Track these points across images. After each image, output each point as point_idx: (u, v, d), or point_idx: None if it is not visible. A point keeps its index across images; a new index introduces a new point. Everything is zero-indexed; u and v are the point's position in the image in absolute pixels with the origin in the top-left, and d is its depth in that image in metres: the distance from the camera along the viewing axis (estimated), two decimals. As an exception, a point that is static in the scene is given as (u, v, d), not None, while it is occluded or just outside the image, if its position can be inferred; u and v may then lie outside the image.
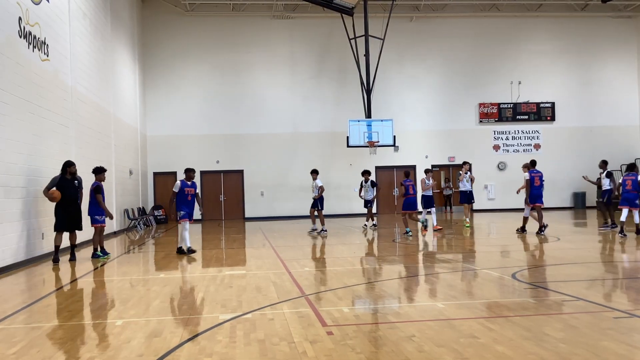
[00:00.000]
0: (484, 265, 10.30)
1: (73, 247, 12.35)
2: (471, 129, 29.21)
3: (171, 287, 8.57)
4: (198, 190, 13.31)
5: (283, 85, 28.19)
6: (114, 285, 9.38)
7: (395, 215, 27.86)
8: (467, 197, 18.41)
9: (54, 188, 11.72)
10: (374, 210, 19.46)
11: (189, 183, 12.97)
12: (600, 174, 16.85)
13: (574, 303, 6.80)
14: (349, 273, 9.62)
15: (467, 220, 18.94)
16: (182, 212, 12.81)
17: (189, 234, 13.13)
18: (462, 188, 18.51)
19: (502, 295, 7.55)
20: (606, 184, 16.28)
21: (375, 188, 18.62)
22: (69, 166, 12.04)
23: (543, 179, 15.88)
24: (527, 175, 15.71)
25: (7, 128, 11.07)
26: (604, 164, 16.75)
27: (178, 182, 12.94)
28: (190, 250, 13.01)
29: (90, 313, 7.15)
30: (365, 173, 18.76)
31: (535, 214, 15.71)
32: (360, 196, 19.15)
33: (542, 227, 15.40)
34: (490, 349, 4.96)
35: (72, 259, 12.20)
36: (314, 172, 17.81)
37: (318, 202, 17.63)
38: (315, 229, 17.87)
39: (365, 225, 18.99)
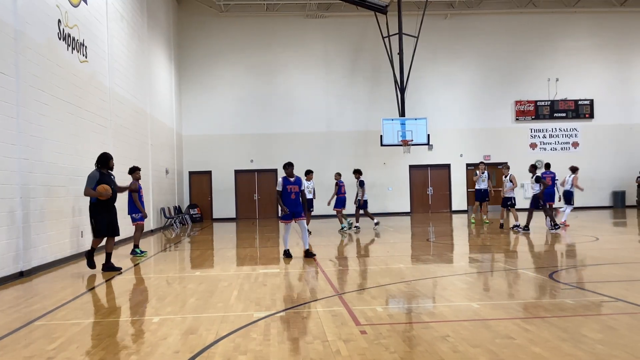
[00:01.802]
0: (520, 265, 10.17)
1: (110, 256, 10.75)
2: (507, 127, 28.82)
3: (207, 285, 8.67)
4: (303, 187, 12.14)
5: (317, 84, 28.23)
6: (150, 282, 9.53)
7: (430, 214, 27.71)
8: (481, 195, 19.35)
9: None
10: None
11: (291, 180, 11.79)
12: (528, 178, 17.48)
13: (612, 304, 6.67)
14: (383, 272, 9.59)
15: (474, 216, 19.93)
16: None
17: (307, 235, 11.98)
18: (477, 187, 19.44)
19: (539, 296, 7.45)
20: (536, 188, 16.59)
21: (363, 188, 18.34)
22: (110, 159, 10.63)
23: (556, 178, 18.18)
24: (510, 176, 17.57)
25: (47, 128, 11.31)
26: (533, 168, 17.25)
27: (280, 179, 11.83)
28: (287, 254, 11.74)
29: (127, 310, 7.28)
30: (356, 172, 18.52)
31: (512, 212, 17.48)
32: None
33: (554, 225, 16.50)
34: (526, 350, 4.90)
35: (109, 268, 10.57)
36: (311, 172, 17.70)
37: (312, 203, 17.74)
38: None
39: (376, 224, 18.83)
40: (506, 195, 17.59)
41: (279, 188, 11.72)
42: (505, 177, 17.76)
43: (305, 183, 17.25)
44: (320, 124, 28.06)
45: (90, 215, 10.50)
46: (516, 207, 17.65)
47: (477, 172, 19.36)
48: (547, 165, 19.07)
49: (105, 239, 10.69)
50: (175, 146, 25.48)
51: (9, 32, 9.91)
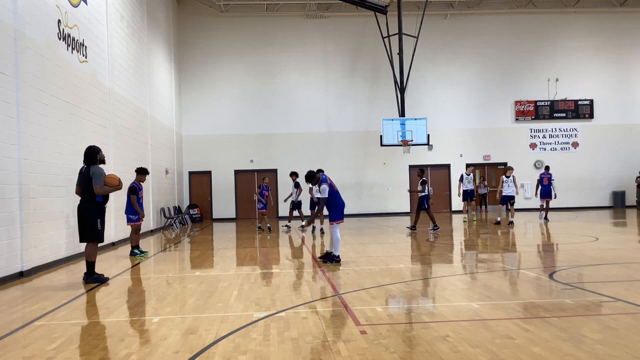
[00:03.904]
0: (520, 265, 10.17)
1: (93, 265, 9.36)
2: (507, 127, 28.84)
3: (206, 285, 8.66)
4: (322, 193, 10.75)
5: (316, 84, 28.24)
6: (150, 282, 9.52)
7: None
8: (468, 195, 20.77)
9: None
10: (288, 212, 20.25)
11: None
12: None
13: (612, 304, 6.67)
14: (382, 272, 9.59)
15: (466, 216, 21.03)
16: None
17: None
18: (463, 187, 20.82)
19: (539, 296, 7.44)
20: (423, 190, 17.64)
21: (298, 189, 19.18)
22: (98, 152, 9.56)
23: (552, 179, 20.32)
24: (504, 178, 19.42)
25: (47, 128, 11.32)
26: (421, 172, 17.99)
27: (325, 185, 10.79)
28: (331, 258, 10.83)
29: (127, 310, 7.28)
30: (292, 174, 19.34)
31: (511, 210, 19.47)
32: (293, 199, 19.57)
33: (546, 217, 19.74)
34: (526, 350, 4.90)
35: (95, 279, 9.27)
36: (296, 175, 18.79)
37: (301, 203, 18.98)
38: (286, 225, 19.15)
39: (287, 226, 20.13)
40: (507, 194, 19.20)
41: (325, 195, 10.73)
42: (507, 177, 19.20)
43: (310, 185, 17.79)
44: (320, 124, 28.07)
45: (96, 216, 9.19)
46: (515, 208, 18.13)
47: (464, 174, 20.81)
48: (547, 168, 21.05)
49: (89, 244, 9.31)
50: (175, 146, 25.48)
51: (9, 32, 9.91)
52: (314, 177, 11.01)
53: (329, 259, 10.83)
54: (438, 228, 17.55)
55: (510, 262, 10.66)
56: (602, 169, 28.86)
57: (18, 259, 9.95)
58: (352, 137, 28.11)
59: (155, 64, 22.18)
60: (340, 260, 10.82)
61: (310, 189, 18.25)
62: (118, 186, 9.39)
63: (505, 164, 28.62)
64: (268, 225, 19.70)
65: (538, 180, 20.66)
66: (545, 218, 20.63)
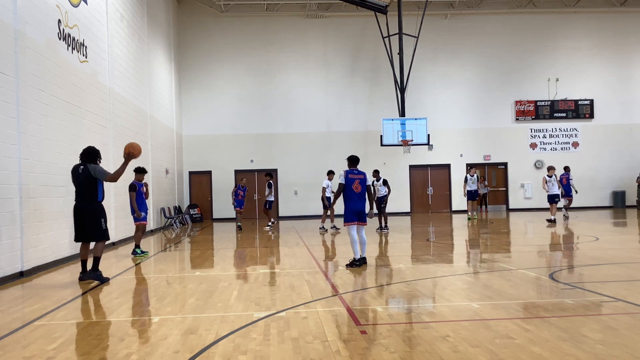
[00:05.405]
0: (520, 265, 10.17)
1: (98, 261, 9.42)
2: (507, 127, 28.82)
3: (207, 285, 8.66)
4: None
5: (316, 84, 28.22)
6: (151, 282, 9.52)
7: (430, 214, 27.71)
8: (472, 195, 21.92)
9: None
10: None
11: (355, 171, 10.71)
12: (375, 182, 18.06)
13: (612, 304, 6.67)
14: (383, 272, 9.59)
15: (470, 214, 22.41)
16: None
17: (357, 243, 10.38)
18: (467, 188, 21.74)
19: (539, 296, 7.45)
20: (382, 190, 17.80)
21: (271, 189, 19.86)
22: (99, 154, 9.45)
23: (570, 178, 21.53)
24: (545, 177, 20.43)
25: (47, 128, 11.32)
26: (376, 173, 18.19)
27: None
28: (350, 262, 10.32)
29: (127, 310, 7.27)
30: (266, 175, 20.33)
31: (552, 207, 20.12)
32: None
33: (565, 215, 21.30)
34: (526, 349, 4.90)
35: (97, 277, 9.29)
36: (332, 173, 18.85)
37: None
38: (331, 227, 18.97)
39: (270, 226, 20.42)
40: (552, 193, 20.07)
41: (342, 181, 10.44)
42: (550, 177, 20.13)
43: (327, 182, 18.53)
44: (320, 124, 28.06)
45: (99, 215, 9.25)
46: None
47: (467, 175, 21.77)
48: (566, 168, 22.05)
49: (93, 242, 9.47)
50: (175, 146, 25.48)
51: (9, 32, 9.91)
52: (357, 160, 10.95)
53: (350, 264, 10.24)
54: (387, 230, 17.61)
55: (511, 262, 10.65)
56: (602, 168, 28.85)
57: (18, 258, 9.95)
58: (352, 137, 28.08)
59: (155, 64, 22.18)
60: (355, 264, 10.20)
61: (324, 189, 18.34)
62: (134, 154, 9.13)
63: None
64: (239, 223, 20.64)
65: (558, 180, 21.35)
66: (565, 216, 21.62)
